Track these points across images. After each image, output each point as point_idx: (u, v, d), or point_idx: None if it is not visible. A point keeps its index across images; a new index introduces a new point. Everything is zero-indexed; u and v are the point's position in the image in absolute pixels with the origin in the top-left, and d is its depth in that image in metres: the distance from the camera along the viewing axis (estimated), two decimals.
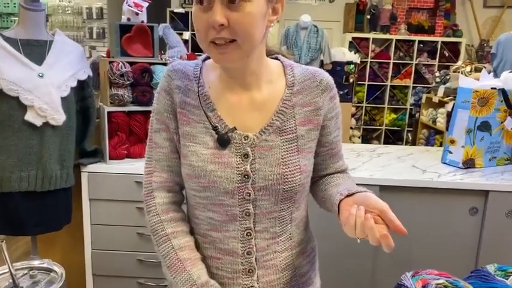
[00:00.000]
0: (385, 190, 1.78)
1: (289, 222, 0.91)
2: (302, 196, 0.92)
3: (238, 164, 0.84)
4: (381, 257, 1.86)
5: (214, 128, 0.85)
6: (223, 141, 0.84)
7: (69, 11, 5.29)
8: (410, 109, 5.77)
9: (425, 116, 4.21)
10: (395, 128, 6.06)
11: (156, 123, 0.91)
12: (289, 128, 0.87)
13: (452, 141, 2.03)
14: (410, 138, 5.39)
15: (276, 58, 0.94)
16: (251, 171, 0.84)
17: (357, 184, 0.91)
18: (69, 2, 4.55)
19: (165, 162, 0.91)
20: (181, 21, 5.72)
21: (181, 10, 5.76)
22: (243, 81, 0.87)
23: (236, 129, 0.86)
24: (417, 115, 4.65)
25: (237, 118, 0.87)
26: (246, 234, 0.87)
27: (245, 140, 0.85)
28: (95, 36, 6.11)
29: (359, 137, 5.82)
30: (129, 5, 1.86)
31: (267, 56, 0.91)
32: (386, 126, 6.05)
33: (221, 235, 0.89)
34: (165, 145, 0.90)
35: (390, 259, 1.83)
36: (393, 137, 6.08)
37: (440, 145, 3.82)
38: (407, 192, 1.81)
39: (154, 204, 0.91)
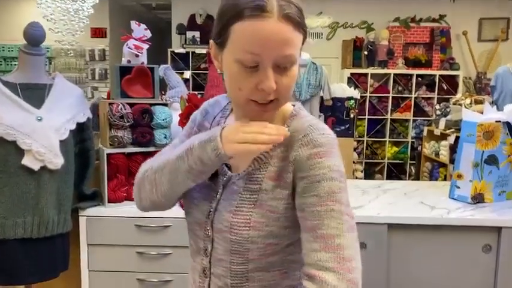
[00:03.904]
0: (393, 228, 1.71)
1: (244, 280, 0.81)
2: (261, 257, 0.79)
3: (212, 199, 0.84)
4: None
5: None
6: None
7: (72, 54, 5.43)
8: (412, 142, 5.75)
9: (427, 148, 4.18)
10: (398, 161, 6.01)
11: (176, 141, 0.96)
12: (256, 177, 0.80)
13: (460, 176, 1.98)
14: (414, 172, 5.33)
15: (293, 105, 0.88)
16: (213, 211, 0.83)
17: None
18: (71, 46, 4.67)
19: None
20: (182, 61, 5.87)
21: (182, 50, 5.93)
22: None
23: (228, 166, 0.85)
24: (419, 148, 4.62)
25: None
26: (203, 272, 0.86)
27: (223, 178, 0.85)
28: (97, 77, 6.22)
29: (361, 171, 5.76)
30: (129, 48, 1.87)
31: None
32: (388, 159, 6.01)
33: (194, 263, 0.90)
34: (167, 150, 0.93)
35: None
36: (396, 171, 6.02)
37: (445, 178, 3.77)
38: (416, 230, 1.75)
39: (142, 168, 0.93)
